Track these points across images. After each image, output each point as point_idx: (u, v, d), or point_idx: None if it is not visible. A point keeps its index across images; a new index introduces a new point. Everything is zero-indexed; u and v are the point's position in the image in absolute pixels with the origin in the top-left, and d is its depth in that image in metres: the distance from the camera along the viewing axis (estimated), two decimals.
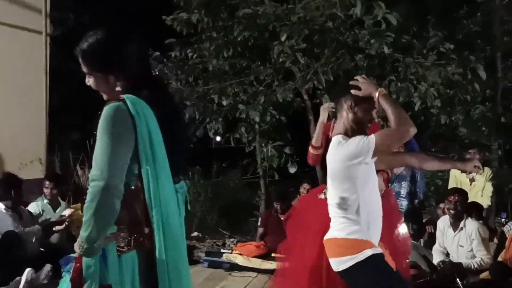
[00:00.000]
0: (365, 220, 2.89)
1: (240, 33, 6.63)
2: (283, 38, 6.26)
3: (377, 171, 3.46)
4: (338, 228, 2.95)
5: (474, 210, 5.70)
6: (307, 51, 6.51)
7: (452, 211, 5.14)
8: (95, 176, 1.90)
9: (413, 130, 2.75)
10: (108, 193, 1.87)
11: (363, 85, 2.96)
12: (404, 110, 2.82)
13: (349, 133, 2.94)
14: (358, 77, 3.00)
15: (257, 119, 6.70)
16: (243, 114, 6.76)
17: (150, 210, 1.97)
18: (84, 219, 1.92)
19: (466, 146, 7.17)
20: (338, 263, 2.92)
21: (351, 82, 3.00)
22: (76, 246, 1.96)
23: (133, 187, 1.99)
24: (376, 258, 2.86)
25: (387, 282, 2.87)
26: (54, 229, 5.63)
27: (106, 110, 1.98)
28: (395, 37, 6.03)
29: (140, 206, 1.99)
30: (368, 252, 2.86)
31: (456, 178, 6.63)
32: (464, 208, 5.21)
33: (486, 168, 6.70)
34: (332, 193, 3.01)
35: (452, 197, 5.17)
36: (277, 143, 7.62)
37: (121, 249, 2.03)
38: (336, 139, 2.98)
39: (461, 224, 5.16)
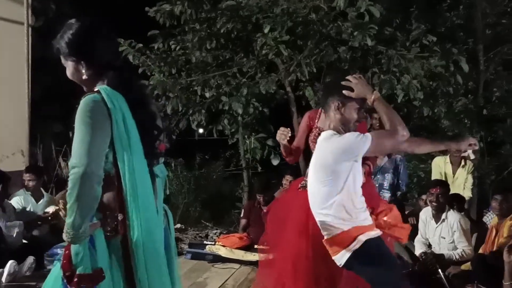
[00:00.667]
0: (351, 210, 2.89)
1: (223, 25, 6.61)
2: (266, 30, 6.25)
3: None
4: (324, 228, 2.95)
5: (456, 201, 5.77)
6: (290, 43, 6.50)
7: (434, 203, 5.19)
8: (74, 164, 1.97)
9: (407, 134, 2.76)
10: (87, 179, 1.94)
11: (356, 86, 2.90)
12: (397, 113, 2.82)
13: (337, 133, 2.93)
14: (350, 77, 2.93)
15: (240, 111, 6.69)
16: (226, 106, 6.75)
17: (125, 196, 2.05)
18: (67, 206, 1.99)
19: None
20: (338, 260, 2.92)
21: (343, 82, 2.95)
22: (64, 234, 2.02)
23: (112, 174, 2.07)
24: (371, 242, 2.86)
25: (389, 263, 2.87)
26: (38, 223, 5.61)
27: (82, 102, 2.07)
28: (378, 30, 6.04)
29: (115, 193, 2.07)
30: (361, 238, 2.85)
31: (440, 168, 6.70)
32: (446, 200, 5.26)
33: (468, 161, 6.77)
34: (315, 187, 2.99)
35: (434, 189, 5.22)
36: (260, 135, 7.62)
37: (109, 234, 2.09)
38: (328, 133, 2.96)
39: (443, 216, 5.21)
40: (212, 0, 7.08)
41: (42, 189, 6.22)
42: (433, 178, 6.74)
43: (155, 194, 2.17)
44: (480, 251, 4.96)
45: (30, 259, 5.04)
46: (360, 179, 2.96)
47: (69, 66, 2.24)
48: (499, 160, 8.38)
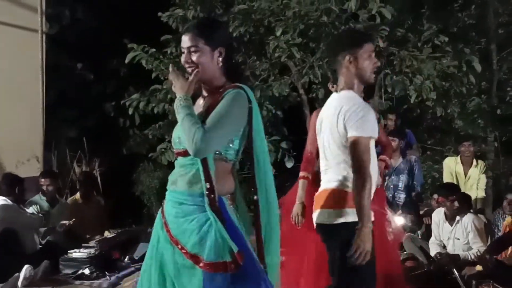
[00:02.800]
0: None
1: (236, 28, 6.64)
2: (278, 33, 6.28)
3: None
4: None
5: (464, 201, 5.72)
6: (303, 45, 6.52)
7: (454, 210, 5.17)
8: (202, 135, 2.13)
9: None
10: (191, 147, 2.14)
11: None
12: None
13: (354, 89, 2.84)
14: None
15: None
16: None
17: (258, 183, 2.32)
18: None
19: (462, 138, 7.21)
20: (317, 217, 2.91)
21: None
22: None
23: (236, 161, 2.33)
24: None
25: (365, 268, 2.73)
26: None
27: (231, 94, 2.22)
28: (390, 31, 6.05)
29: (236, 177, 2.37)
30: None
31: (451, 169, 6.67)
32: (462, 204, 5.24)
33: (480, 161, 6.74)
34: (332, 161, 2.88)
35: (451, 197, 5.18)
36: (273, 137, 7.62)
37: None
38: (348, 94, 2.85)
39: (457, 218, 5.19)
40: (224, 4, 7.12)
41: (57, 194, 6.29)
42: (444, 178, 6.71)
43: None
44: None
45: (46, 264, 5.09)
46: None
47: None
48: None
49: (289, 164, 7.43)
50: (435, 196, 5.74)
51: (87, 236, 5.80)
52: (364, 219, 2.60)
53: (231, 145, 2.26)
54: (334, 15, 6.35)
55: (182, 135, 2.19)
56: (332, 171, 2.86)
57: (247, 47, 7.21)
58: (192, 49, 2.27)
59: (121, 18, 8.55)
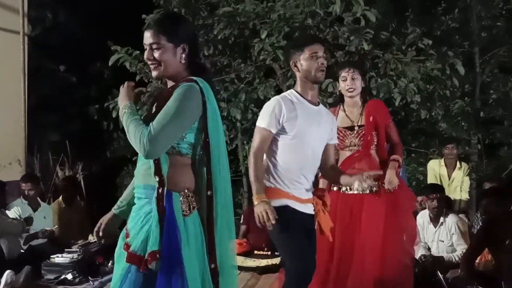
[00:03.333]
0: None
1: (221, 31, 6.62)
2: (263, 36, 6.26)
3: (389, 161, 3.56)
4: None
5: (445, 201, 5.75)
6: None
7: (434, 209, 5.19)
8: (149, 135, 2.08)
9: None
10: (141, 149, 2.10)
11: None
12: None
13: (298, 88, 3.19)
14: None
15: (238, 117, 6.69)
16: (224, 112, 6.75)
17: (213, 177, 2.20)
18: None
19: (446, 141, 7.27)
20: None
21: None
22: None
23: (197, 156, 2.24)
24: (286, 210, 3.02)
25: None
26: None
27: (182, 88, 2.16)
28: (374, 34, 6.06)
29: (201, 174, 2.23)
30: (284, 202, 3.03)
31: (435, 171, 6.71)
32: (444, 204, 5.27)
33: (464, 163, 6.79)
34: None
35: (432, 195, 5.21)
36: None
37: (184, 213, 2.18)
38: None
39: (441, 220, 5.21)
40: (209, 7, 7.09)
41: (39, 198, 6.21)
42: (429, 181, 6.76)
43: None
44: None
45: (27, 269, 5.02)
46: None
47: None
48: (497, 162, 8.40)
49: None
50: (419, 198, 5.77)
51: (70, 241, 5.73)
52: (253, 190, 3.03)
53: (184, 139, 2.19)
54: (319, 18, 6.36)
55: (132, 142, 2.14)
56: None
57: (232, 50, 7.19)
58: (154, 46, 2.22)
59: (104, 20, 8.49)
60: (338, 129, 3.76)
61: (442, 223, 5.21)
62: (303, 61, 3.10)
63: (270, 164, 3.12)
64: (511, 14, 7.76)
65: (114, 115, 7.04)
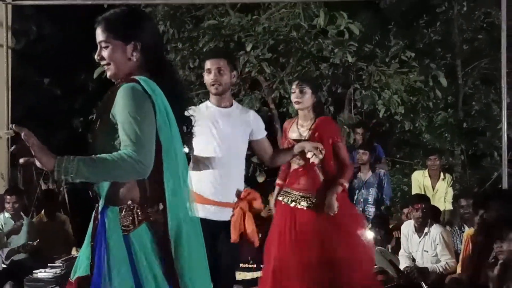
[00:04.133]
0: None
1: (206, 43, 6.65)
2: (248, 48, 6.31)
3: (331, 184, 3.57)
4: None
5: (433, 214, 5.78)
6: (273, 60, 6.57)
7: (419, 219, 5.21)
8: (138, 160, 1.83)
9: None
10: (138, 171, 1.84)
11: None
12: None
13: (211, 99, 3.24)
14: None
15: None
16: None
17: (166, 187, 1.94)
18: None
19: (430, 152, 7.32)
20: None
21: None
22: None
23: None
24: None
25: None
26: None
27: (122, 90, 1.90)
28: (358, 46, 6.15)
29: (153, 183, 1.94)
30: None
31: (419, 182, 6.75)
32: (429, 214, 5.29)
33: (448, 174, 6.84)
34: None
35: (417, 205, 5.23)
36: None
37: (127, 228, 1.93)
38: None
39: (426, 230, 5.23)
40: (194, 20, 7.13)
41: (22, 213, 6.13)
42: (413, 192, 6.78)
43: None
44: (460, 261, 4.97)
45: (10, 285, 4.94)
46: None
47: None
48: (481, 172, 8.48)
49: (261, 179, 7.43)
50: (405, 210, 5.80)
51: (53, 256, 5.66)
52: None
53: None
54: (303, 30, 6.43)
55: (121, 178, 1.91)
56: None
57: None
58: (103, 44, 2.02)
59: (89, 32, 8.45)
60: (288, 139, 3.85)
61: (426, 233, 5.22)
62: (204, 77, 3.23)
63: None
64: (492, 27, 7.88)
65: None
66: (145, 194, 1.95)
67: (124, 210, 1.93)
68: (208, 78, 3.19)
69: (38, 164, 1.89)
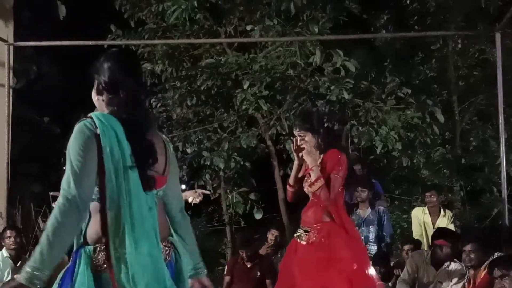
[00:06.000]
0: None
1: (204, 82, 6.72)
2: (245, 86, 6.37)
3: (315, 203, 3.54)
4: None
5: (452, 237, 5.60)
6: (270, 98, 6.63)
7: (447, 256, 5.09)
8: (63, 195, 1.91)
9: None
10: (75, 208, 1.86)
11: None
12: None
13: None
14: None
15: (221, 166, 6.71)
16: (207, 161, 6.77)
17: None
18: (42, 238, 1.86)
19: (428, 188, 7.29)
20: None
21: None
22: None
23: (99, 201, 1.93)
24: None
25: None
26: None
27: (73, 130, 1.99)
28: (354, 83, 6.20)
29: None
30: None
31: (419, 219, 6.69)
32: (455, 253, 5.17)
33: (448, 211, 6.80)
34: None
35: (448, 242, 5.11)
36: (242, 189, 7.61)
37: (100, 268, 1.90)
38: None
39: (446, 264, 5.11)
40: (192, 58, 7.22)
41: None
42: (413, 229, 6.72)
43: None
44: None
45: None
46: None
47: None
48: (480, 209, 8.44)
49: (258, 216, 7.40)
50: (405, 247, 5.74)
51: None
52: None
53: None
54: (300, 68, 6.51)
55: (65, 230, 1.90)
56: None
57: (215, 100, 7.28)
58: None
59: (88, 72, 8.55)
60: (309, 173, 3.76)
61: (447, 266, 5.11)
62: None
63: None
64: (487, 64, 7.97)
65: None
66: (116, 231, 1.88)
67: (98, 249, 1.90)
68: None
69: None
